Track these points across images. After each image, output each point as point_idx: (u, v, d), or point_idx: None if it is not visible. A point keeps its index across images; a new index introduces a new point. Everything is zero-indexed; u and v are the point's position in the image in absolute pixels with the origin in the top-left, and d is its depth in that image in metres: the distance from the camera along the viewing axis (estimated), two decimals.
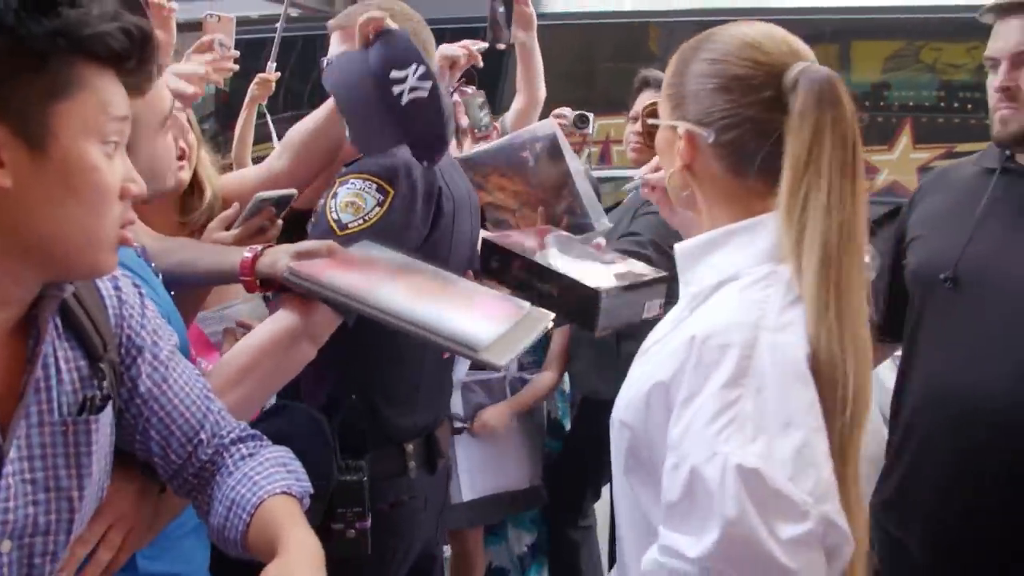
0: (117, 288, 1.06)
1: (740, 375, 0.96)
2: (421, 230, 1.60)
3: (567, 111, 2.89)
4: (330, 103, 1.65)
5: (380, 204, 1.53)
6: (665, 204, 1.33)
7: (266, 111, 3.57)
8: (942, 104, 6.61)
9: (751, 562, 0.92)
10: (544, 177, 2.09)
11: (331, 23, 1.75)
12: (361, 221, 1.52)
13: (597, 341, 2.36)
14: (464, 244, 1.77)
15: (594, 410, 2.51)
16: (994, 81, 1.62)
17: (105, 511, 1.06)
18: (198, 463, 1.09)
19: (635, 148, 2.67)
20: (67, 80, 0.86)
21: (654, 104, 1.21)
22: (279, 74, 3.42)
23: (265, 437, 1.15)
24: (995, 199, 1.61)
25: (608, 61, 7.53)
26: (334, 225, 1.53)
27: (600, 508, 2.87)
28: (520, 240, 1.75)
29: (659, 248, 2.21)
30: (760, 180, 1.08)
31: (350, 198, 1.53)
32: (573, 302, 1.57)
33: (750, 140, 1.07)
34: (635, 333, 2.30)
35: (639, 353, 1.21)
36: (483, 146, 2.25)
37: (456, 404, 2.35)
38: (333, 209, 1.54)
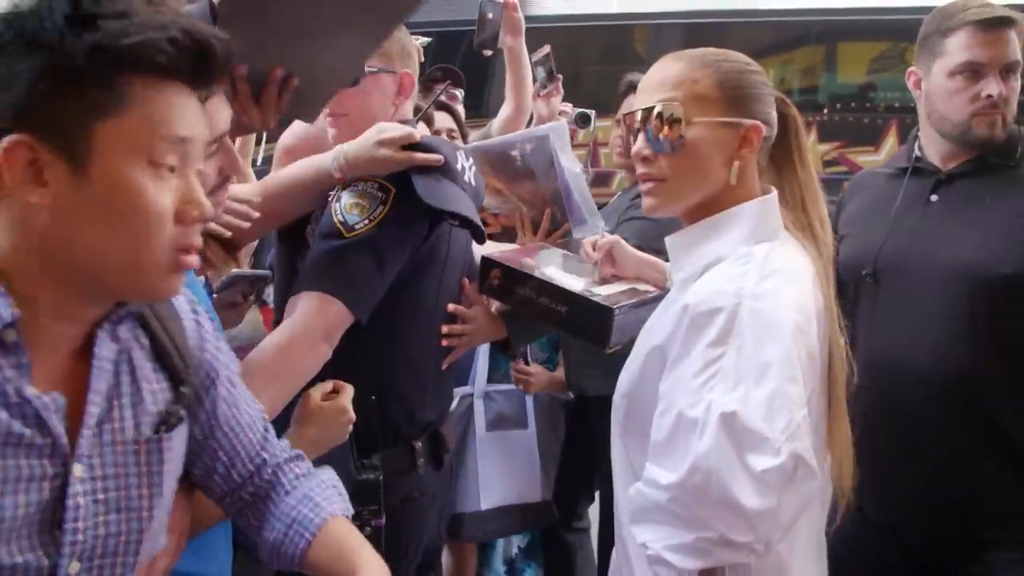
0: (195, 312, 1.05)
1: (725, 335, 1.12)
2: (422, 229, 1.61)
3: (568, 107, 2.85)
4: (314, 162, 1.61)
5: (384, 202, 1.54)
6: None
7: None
8: None
9: (712, 496, 1.07)
10: (531, 177, 2.09)
11: None
12: (367, 221, 1.52)
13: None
14: (460, 247, 1.79)
15: (586, 409, 2.50)
16: (964, 86, 1.70)
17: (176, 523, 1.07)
18: (258, 481, 1.11)
19: (621, 152, 2.67)
20: (111, 96, 0.81)
21: (672, 101, 1.24)
22: None
23: (303, 453, 1.19)
24: (907, 197, 1.78)
25: (595, 63, 7.55)
26: (341, 227, 1.52)
27: (592, 511, 2.86)
28: (517, 258, 1.79)
29: (643, 251, 2.23)
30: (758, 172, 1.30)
31: (354, 199, 1.54)
32: (585, 319, 1.64)
33: (772, 137, 1.31)
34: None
35: (640, 336, 1.35)
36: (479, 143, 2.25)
37: (479, 412, 2.37)
38: (338, 212, 1.54)
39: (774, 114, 1.30)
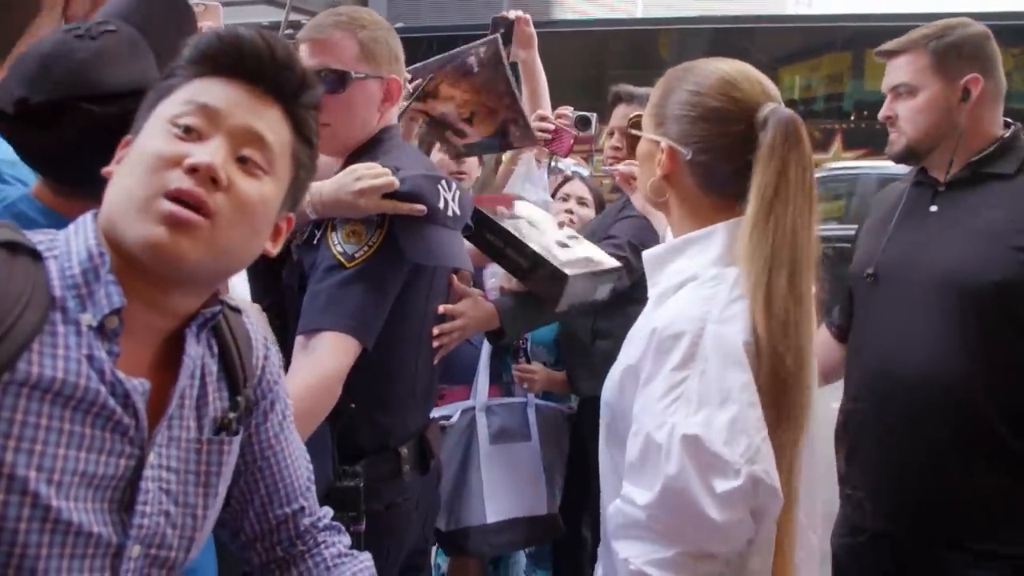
0: (267, 347, 1.08)
1: (688, 359, 1.16)
2: (423, 236, 1.62)
3: (568, 110, 2.87)
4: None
5: (380, 226, 1.53)
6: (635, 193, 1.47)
7: None
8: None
9: (685, 512, 1.12)
10: (488, 83, 2.09)
11: (299, 35, 1.71)
12: (366, 248, 1.53)
13: (576, 342, 2.50)
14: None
15: (591, 407, 2.50)
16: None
17: None
18: (293, 532, 1.09)
19: (611, 161, 2.71)
20: (171, 87, 0.91)
21: (639, 116, 1.35)
22: None
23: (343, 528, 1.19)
24: (906, 207, 1.87)
25: (619, 68, 7.54)
26: (342, 259, 1.51)
27: None
28: (494, 206, 1.88)
29: (635, 249, 2.27)
30: (722, 197, 1.27)
31: (350, 227, 1.53)
32: (541, 278, 1.77)
33: (720, 163, 1.26)
34: (611, 332, 2.35)
35: (623, 347, 1.35)
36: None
37: (482, 426, 2.36)
38: (336, 243, 1.53)
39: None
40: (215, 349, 1.00)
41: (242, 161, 0.90)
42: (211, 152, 0.87)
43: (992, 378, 1.68)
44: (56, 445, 0.84)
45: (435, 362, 1.78)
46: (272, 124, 0.93)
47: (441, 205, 1.62)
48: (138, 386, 0.88)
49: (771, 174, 1.21)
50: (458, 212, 1.69)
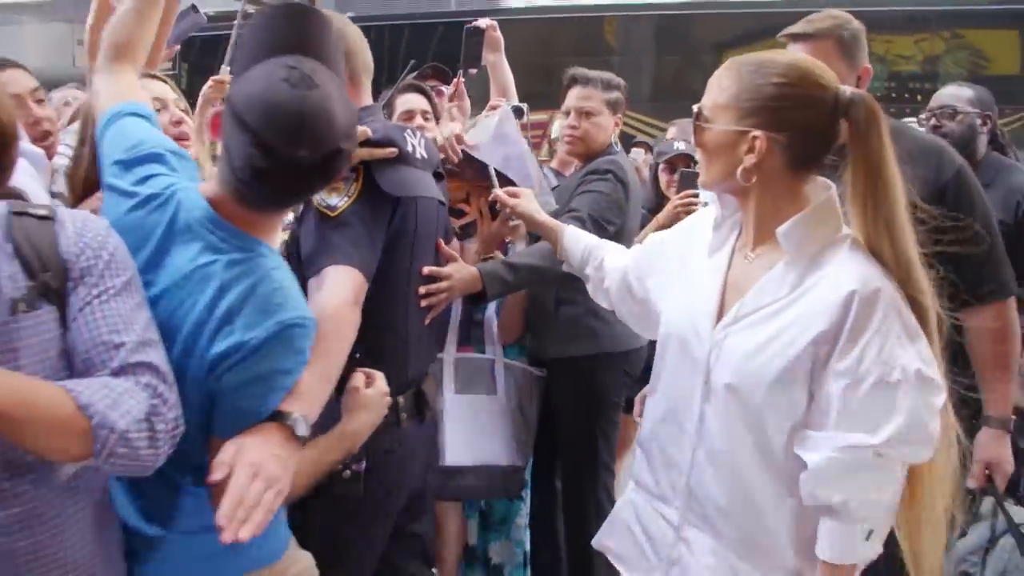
0: (85, 244, 1.19)
1: (890, 308, 1.37)
2: (389, 206, 1.79)
3: (502, 101, 2.99)
4: None
5: (355, 180, 1.71)
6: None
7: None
8: (893, 95, 6.80)
9: (918, 438, 1.35)
10: (468, 171, 2.32)
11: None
12: (346, 198, 1.70)
13: (541, 308, 2.64)
14: (430, 219, 1.96)
15: (558, 369, 2.62)
16: None
17: (245, 454, 1.21)
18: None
19: (569, 140, 2.83)
20: None
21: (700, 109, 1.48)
22: (231, 76, 3.38)
23: None
24: None
25: (567, 55, 7.60)
26: (327, 211, 1.68)
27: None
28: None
29: (595, 222, 2.46)
30: (809, 171, 1.45)
31: (329, 185, 1.64)
32: None
33: (814, 143, 1.42)
34: (574, 300, 2.56)
35: (733, 320, 1.48)
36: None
37: (448, 376, 2.46)
38: (320, 200, 1.69)
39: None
40: (9, 249, 1.13)
41: None
42: None
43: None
44: None
45: (426, 321, 1.96)
46: None
47: (409, 148, 1.86)
48: None
49: (872, 144, 1.40)
50: (425, 155, 1.93)
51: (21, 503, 1.11)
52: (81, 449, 1.08)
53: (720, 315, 1.52)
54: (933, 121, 2.90)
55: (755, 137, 1.42)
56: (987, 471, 2.04)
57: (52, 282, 1.15)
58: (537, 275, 2.24)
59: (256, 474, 1.20)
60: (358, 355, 1.61)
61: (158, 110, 1.95)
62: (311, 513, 1.61)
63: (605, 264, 1.84)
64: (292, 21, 1.41)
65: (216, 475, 1.18)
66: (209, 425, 1.29)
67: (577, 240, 1.94)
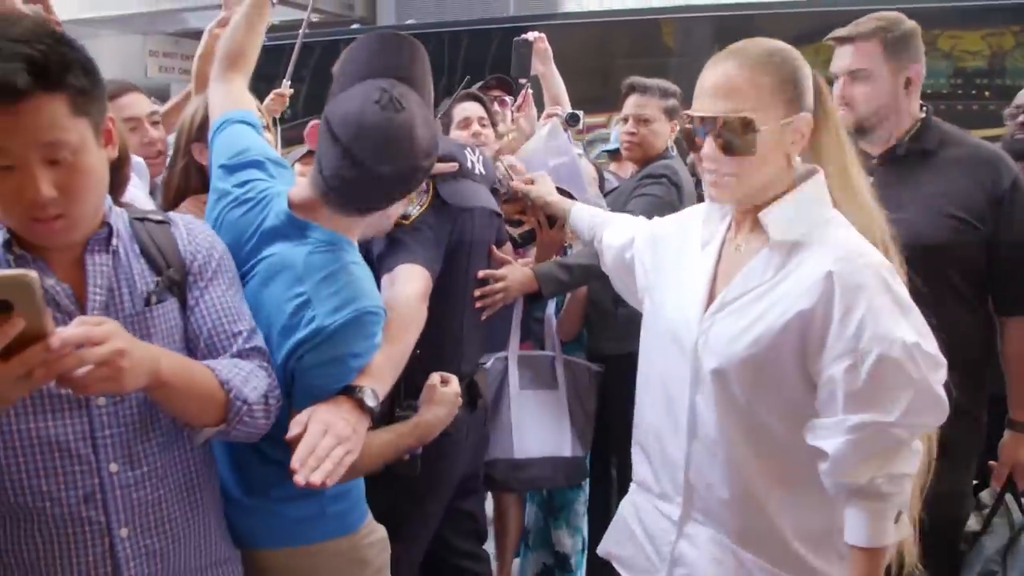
0: (198, 246, 1.39)
1: (879, 283, 1.38)
2: (451, 218, 2.05)
3: (559, 109, 3.18)
4: None
5: (427, 192, 1.97)
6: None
7: (277, 120, 3.61)
8: (959, 92, 6.63)
9: (930, 407, 1.37)
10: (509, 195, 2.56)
11: None
12: (419, 207, 1.98)
13: (599, 307, 2.81)
14: (485, 228, 2.21)
15: (614, 366, 2.73)
16: (835, 90, 2.14)
17: (318, 415, 1.39)
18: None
19: (628, 146, 3.02)
20: None
21: (729, 117, 1.43)
22: (292, 91, 3.47)
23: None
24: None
25: (624, 58, 7.61)
26: (401, 219, 1.93)
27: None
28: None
29: None
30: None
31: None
32: None
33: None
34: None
35: (719, 307, 1.50)
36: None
37: (513, 373, 2.63)
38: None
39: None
40: (137, 250, 1.32)
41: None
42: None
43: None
44: None
45: (482, 318, 2.21)
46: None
47: (469, 165, 2.14)
48: (60, 289, 1.23)
49: (828, 106, 1.50)
50: (483, 171, 2.21)
51: (149, 464, 1.29)
52: (216, 417, 1.29)
53: (708, 304, 1.54)
54: (1021, 118, 2.98)
55: (804, 121, 1.45)
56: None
57: (175, 276, 1.33)
58: (589, 274, 2.37)
59: (327, 431, 1.37)
60: (419, 351, 1.74)
61: (132, 130, 2.37)
62: (373, 491, 1.75)
63: (604, 239, 1.95)
64: (387, 47, 1.56)
65: (293, 431, 1.36)
66: (290, 400, 1.46)
67: (581, 217, 2.11)
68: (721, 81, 1.44)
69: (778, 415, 1.45)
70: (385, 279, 1.83)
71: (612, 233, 1.94)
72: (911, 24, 2.12)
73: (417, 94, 1.50)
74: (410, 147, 1.43)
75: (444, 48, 7.42)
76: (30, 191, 1.12)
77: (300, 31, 3.56)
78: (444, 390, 1.73)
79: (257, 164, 1.63)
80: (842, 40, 2.13)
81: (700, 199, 3.67)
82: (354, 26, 9.80)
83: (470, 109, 2.72)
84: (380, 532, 1.72)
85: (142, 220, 1.36)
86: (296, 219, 1.53)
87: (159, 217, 1.40)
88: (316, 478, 1.31)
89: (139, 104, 2.49)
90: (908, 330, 1.36)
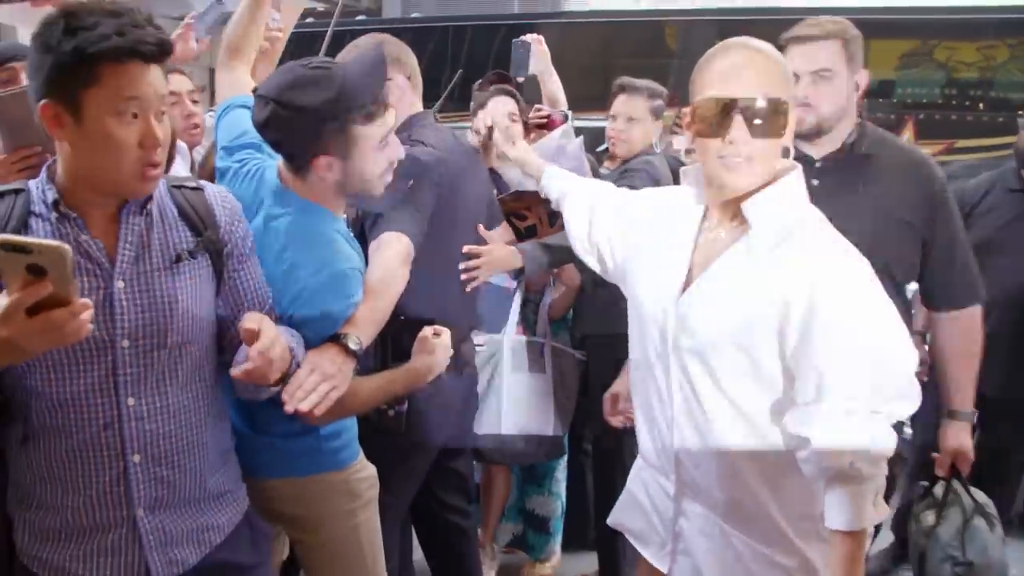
0: (234, 214, 1.56)
1: (861, 278, 1.47)
2: (439, 183, 2.20)
3: (544, 108, 3.34)
4: None
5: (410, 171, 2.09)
6: None
7: None
8: (953, 101, 6.73)
9: (905, 394, 1.47)
10: (513, 193, 2.74)
11: None
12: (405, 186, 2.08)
13: (580, 290, 3.01)
14: (469, 215, 2.39)
15: (591, 344, 2.94)
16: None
17: (307, 358, 1.59)
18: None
19: (614, 142, 3.20)
20: (89, 75, 1.30)
21: (772, 97, 1.47)
22: None
23: None
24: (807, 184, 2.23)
25: (627, 57, 7.67)
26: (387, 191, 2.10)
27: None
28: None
29: None
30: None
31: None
32: None
33: None
34: (607, 283, 2.84)
35: (696, 290, 1.56)
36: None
37: (506, 356, 2.82)
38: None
39: None
40: (175, 212, 1.49)
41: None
42: (157, 130, 1.36)
43: None
44: None
45: (468, 290, 2.36)
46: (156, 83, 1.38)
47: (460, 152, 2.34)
48: (93, 244, 1.40)
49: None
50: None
51: (162, 400, 1.46)
52: (280, 378, 1.51)
53: (684, 289, 1.58)
54: None
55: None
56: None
57: (212, 237, 1.50)
58: (570, 255, 2.51)
59: (313, 370, 1.57)
60: (403, 317, 1.93)
61: (173, 104, 2.51)
62: (364, 445, 1.93)
63: (566, 216, 2.03)
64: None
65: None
66: None
67: (551, 184, 2.16)
68: (747, 64, 1.47)
69: (755, 398, 1.52)
70: (372, 246, 1.97)
71: (574, 204, 2.03)
72: (856, 30, 2.16)
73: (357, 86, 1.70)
74: (328, 85, 1.64)
75: (448, 42, 7.49)
76: (151, 137, 1.35)
77: (333, 19, 3.69)
78: (435, 340, 1.87)
79: (254, 145, 1.84)
80: (806, 39, 2.13)
81: None
82: (360, 17, 9.84)
83: (504, 104, 2.92)
84: (370, 470, 1.91)
85: (179, 187, 1.53)
86: (281, 191, 1.74)
87: (194, 184, 1.56)
88: (304, 406, 1.53)
89: (181, 82, 2.86)
90: (887, 323, 1.44)
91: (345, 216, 1.92)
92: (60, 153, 1.39)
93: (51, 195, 1.39)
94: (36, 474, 1.43)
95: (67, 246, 1.14)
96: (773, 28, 2.18)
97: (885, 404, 1.44)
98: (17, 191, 1.42)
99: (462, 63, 6.99)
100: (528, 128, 3.03)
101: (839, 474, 1.43)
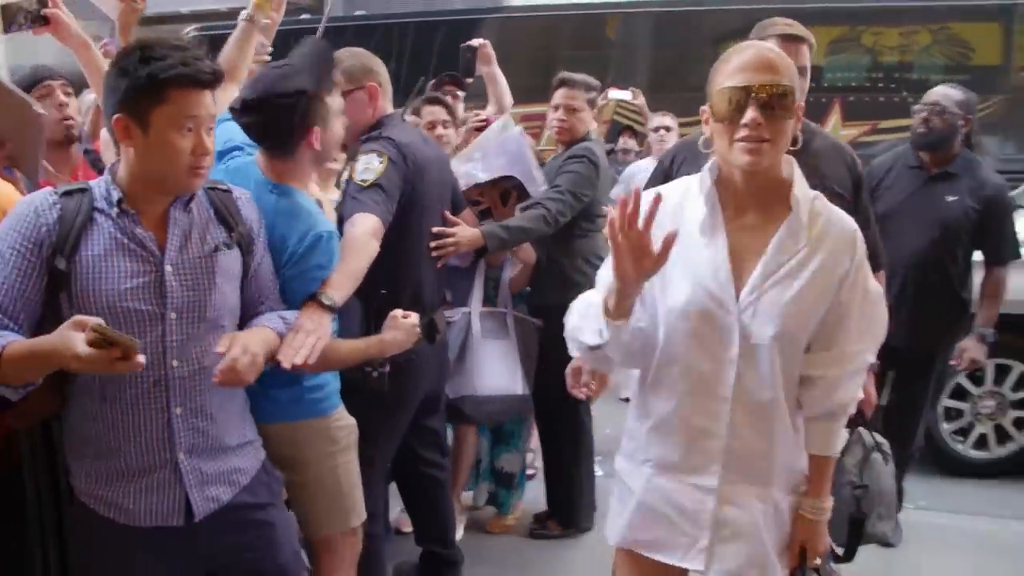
0: (256, 216, 1.92)
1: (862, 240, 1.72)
2: (404, 183, 2.56)
3: (482, 112, 3.83)
4: None
5: (380, 163, 2.47)
6: None
7: None
8: (879, 85, 6.99)
9: (881, 340, 1.77)
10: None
11: None
12: (374, 175, 2.45)
13: (538, 264, 3.35)
14: (434, 198, 2.73)
15: (549, 314, 3.10)
16: None
17: (300, 321, 1.94)
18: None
19: (558, 132, 3.53)
20: (159, 96, 1.63)
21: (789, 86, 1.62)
22: None
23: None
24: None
25: (568, 50, 7.79)
26: (360, 183, 2.46)
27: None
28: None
29: (574, 195, 3.22)
30: None
31: (363, 164, 2.52)
32: None
33: None
34: (560, 260, 3.33)
35: (761, 280, 1.65)
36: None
37: (475, 325, 3.17)
38: (357, 173, 2.51)
39: None
40: (211, 210, 1.82)
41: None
42: (208, 141, 1.71)
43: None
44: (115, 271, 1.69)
45: (439, 266, 2.72)
46: (210, 104, 1.74)
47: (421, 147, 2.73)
48: (147, 236, 1.71)
49: None
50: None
51: (199, 363, 1.76)
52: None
53: (736, 283, 1.64)
54: (924, 114, 3.36)
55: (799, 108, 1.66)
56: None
57: (243, 232, 1.80)
58: (525, 234, 3.00)
59: (298, 330, 1.92)
60: (384, 291, 2.37)
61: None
62: (352, 404, 2.26)
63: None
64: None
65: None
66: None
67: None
68: (768, 58, 1.60)
69: (801, 361, 1.71)
70: (346, 225, 2.36)
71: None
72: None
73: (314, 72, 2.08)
74: (299, 72, 2.03)
75: (392, 39, 7.52)
76: (201, 147, 1.67)
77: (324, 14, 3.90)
78: (403, 320, 2.24)
79: (239, 148, 2.29)
80: (792, 39, 2.37)
81: (615, 177, 4.42)
82: (303, 16, 9.79)
83: (435, 113, 3.33)
84: (348, 420, 2.28)
85: (213, 189, 1.86)
86: (264, 180, 2.12)
87: (224, 187, 1.89)
88: (298, 359, 1.86)
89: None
90: (871, 277, 1.71)
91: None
92: (124, 158, 1.71)
93: (116, 194, 1.71)
94: (93, 424, 1.71)
95: (138, 342, 1.49)
96: (710, 20, 2.32)
97: (875, 348, 1.70)
98: (83, 190, 1.72)
99: (407, 60, 7.05)
100: (457, 128, 3.45)
101: (838, 411, 1.70)
